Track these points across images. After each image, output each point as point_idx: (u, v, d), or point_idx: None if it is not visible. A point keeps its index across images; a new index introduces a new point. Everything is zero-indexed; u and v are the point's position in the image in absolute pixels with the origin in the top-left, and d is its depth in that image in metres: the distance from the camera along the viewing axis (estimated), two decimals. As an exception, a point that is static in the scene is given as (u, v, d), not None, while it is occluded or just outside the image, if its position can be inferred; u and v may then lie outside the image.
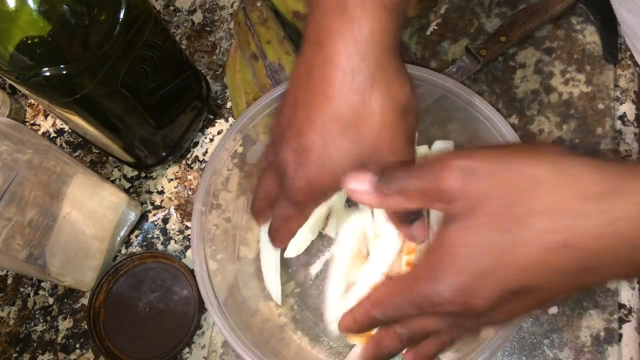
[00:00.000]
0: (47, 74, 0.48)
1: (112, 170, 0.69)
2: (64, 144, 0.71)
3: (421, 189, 0.31)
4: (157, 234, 0.64)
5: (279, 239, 0.40)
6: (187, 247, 0.63)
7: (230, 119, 0.67)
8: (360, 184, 0.32)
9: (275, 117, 0.38)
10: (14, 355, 0.62)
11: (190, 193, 0.65)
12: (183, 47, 0.72)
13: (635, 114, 0.59)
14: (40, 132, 0.73)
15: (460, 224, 0.29)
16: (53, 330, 0.62)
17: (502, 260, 0.27)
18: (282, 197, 0.38)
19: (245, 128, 0.51)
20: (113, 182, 0.67)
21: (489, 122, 0.47)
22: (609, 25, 0.61)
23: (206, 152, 0.67)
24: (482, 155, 0.29)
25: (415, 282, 0.30)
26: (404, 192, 0.31)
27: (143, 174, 0.68)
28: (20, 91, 0.74)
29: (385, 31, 0.34)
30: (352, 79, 0.34)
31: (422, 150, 0.54)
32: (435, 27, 0.66)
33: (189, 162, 0.67)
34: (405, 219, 0.37)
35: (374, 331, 0.36)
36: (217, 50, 0.72)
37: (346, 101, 0.34)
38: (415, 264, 0.32)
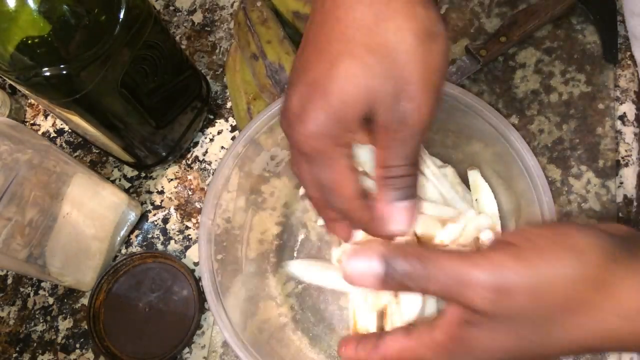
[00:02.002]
0: (47, 74, 0.48)
1: (112, 170, 0.69)
2: (64, 144, 0.71)
3: (442, 295, 0.28)
4: (157, 234, 0.64)
5: (416, 194, 0.32)
6: (187, 247, 0.63)
7: (231, 119, 0.67)
8: (364, 277, 0.28)
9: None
10: (14, 355, 0.62)
11: (190, 193, 0.65)
12: (183, 47, 0.72)
13: (635, 114, 0.59)
14: (40, 132, 0.73)
15: (494, 330, 0.27)
16: (53, 330, 0.62)
17: (531, 355, 0.28)
18: (297, 158, 0.31)
19: (252, 137, 0.51)
20: (113, 182, 0.67)
21: (489, 122, 0.47)
22: (609, 25, 0.61)
23: (206, 152, 0.67)
24: (517, 272, 0.26)
25: None
26: (420, 290, 0.28)
27: (143, 174, 0.68)
28: (20, 91, 0.74)
29: None
30: None
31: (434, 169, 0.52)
32: (435, 27, 0.66)
33: (189, 162, 0.67)
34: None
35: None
36: (217, 50, 0.72)
37: (358, 20, 0.30)
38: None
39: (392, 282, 0.28)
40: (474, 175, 0.53)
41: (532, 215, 0.45)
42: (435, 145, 0.54)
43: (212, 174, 0.65)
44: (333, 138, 0.30)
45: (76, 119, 0.55)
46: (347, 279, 0.29)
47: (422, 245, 0.31)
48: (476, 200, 0.52)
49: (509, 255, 0.26)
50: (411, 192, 0.31)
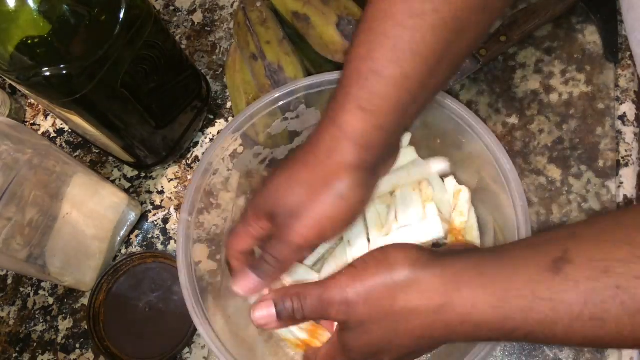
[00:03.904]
0: (47, 74, 0.48)
1: (112, 170, 0.69)
2: (64, 144, 0.72)
3: (317, 317, 0.38)
4: (157, 234, 0.64)
5: (269, 279, 0.41)
6: (187, 247, 0.63)
7: (230, 119, 0.67)
8: (266, 319, 0.38)
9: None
10: (14, 355, 0.62)
11: (190, 193, 0.65)
12: (183, 47, 0.72)
13: (635, 114, 0.59)
14: (40, 132, 0.73)
15: (354, 332, 0.37)
16: (53, 330, 0.62)
17: (390, 346, 0.37)
18: (277, 240, 0.39)
19: (240, 129, 0.51)
20: (113, 182, 0.67)
21: (470, 129, 0.47)
22: (609, 25, 0.61)
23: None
24: (354, 288, 0.36)
25: None
26: (303, 319, 0.38)
27: (143, 174, 0.68)
28: (20, 91, 0.74)
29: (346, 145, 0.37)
30: (319, 160, 0.38)
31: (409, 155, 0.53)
32: (435, 27, 0.66)
33: (189, 162, 0.67)
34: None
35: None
36: (217, 50, 0.72)
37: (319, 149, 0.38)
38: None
39: (285, 319, 0.38)
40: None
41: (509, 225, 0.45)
42: (421, 148, 0.53)
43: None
44: (253, 215, 0.41)
45: (76, 119, 0.55)
46: (257, 325, 0.39)
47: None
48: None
49: (349, 276, 0.36)
50: (263, 277, 0.40)
